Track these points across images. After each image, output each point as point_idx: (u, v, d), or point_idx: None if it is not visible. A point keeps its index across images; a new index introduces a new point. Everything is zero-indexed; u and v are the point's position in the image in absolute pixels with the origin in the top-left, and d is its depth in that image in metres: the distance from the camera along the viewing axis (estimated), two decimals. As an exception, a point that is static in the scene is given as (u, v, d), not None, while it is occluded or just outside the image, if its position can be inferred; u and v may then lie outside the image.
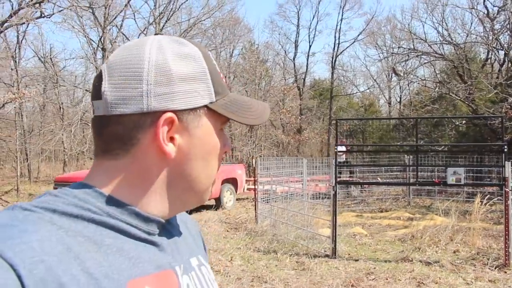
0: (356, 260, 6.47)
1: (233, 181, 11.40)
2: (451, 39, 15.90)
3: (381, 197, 12.92)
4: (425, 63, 16.33)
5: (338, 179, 6.89)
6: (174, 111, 0.66)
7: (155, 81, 0.64)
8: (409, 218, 9.84)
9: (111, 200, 0.65)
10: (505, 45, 13.54)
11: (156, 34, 0.76)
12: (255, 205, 9.35)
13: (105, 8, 13.25)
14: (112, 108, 0.65)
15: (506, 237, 6.05)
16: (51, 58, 17.54)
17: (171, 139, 0.67)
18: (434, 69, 19.70)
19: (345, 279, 5.57)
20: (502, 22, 13.96)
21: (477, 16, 14.48)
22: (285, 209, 8.88)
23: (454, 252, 6.85)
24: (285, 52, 25.05)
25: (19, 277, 0.51)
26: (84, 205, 0.62)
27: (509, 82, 11.96)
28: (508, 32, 13.47)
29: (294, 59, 24.56)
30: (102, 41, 14.30)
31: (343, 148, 13.61)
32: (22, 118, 16.84)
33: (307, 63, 24.39)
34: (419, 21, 17.07)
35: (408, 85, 22.30)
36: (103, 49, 13.90)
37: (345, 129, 20.89)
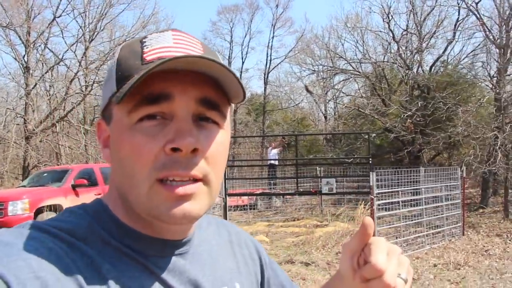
0: (246, 263, 7.13)
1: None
2: (370, 57, 17.24)
3: (299, 207, 13.81)
4: (343, 80, 17.59)
5: (232, 192, 7.59)
6: (102, 116, 0.67)
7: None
8: (315, 225, 10.68)
9: (113, 218, 0.64)
10: (408, 65, 14.91)
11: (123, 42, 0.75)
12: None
13: (28, 27, 13.39)
14: None
15: (372, 237, 6.93)
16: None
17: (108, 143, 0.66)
18: (358, 87, 21.13)
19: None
20: (406, 44, 15.41)
21: (387, 40, 15.88)
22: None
23: (337, 253, 7.68)
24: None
25: None
26: (92, 225, 0.62)
27: (407, 99, 13.29)
28: (409, 53, 14.91)
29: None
30: (26, 60, 14.42)
31: (276, 151, 14.45)
32: None
33: (241, 79, 25.28)
34: (339, 41, 18.26)
35: (335, 100, 23.60)
36: (27, 68, 14.00)
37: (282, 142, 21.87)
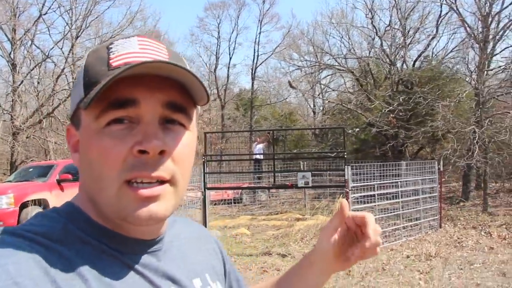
0: (224, 256, 7.28)
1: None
2: (355, 52, 17.39)
3: (284, 201, 13.97)
4: (329, 75, 17.77)
5: (209, 186, 7.71)
6: (71, 121, 0.68)
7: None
8: (297, 218, 10.83)
9: (87, 219, 0.65)
10: (392, 60, 15.07)
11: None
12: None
13: (14, 24, 13.39)
14: None
15: (347, 229, 7.09)
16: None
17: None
18: (344, 81, 21.30)
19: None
20: (390, 39, 15.56)
21: (370, 36, 16.04)
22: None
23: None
24: (206, 64, 26.02)
25: None
26: (66, 226, 0.62)
27: (390, 94, 13.47)
28: (394, 48, 15.07)
29: (215, 70, 25.52)
30: (12, 57, 14.42)
31: (261, 146, 14.62)
32: None
33: (228, 75, 25.45)
34: (325, 36, 18.38)
35: (323, 95, 23.74)
36: (13, 64, 14.02)
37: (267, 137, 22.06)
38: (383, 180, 8.05)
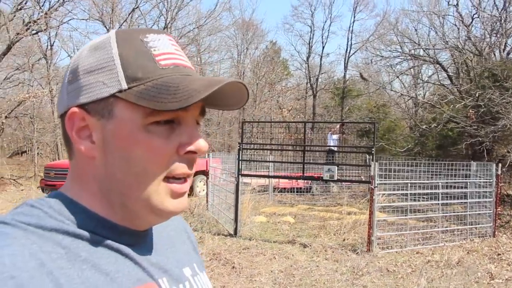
0: (250, 239, 7.62)
1: (205, 173, 12.74)
2: (446, 42, 16.15)
3: (353, 193, 13.74)
4: (415, 66, 16.74)
5: (245, 172, 8.06)
6: (81, 106, 0.64)
7: (68, 80, 0.66)
8: (350, 212, 10.67)
9: (82, 209, 0.65)
10: (480, 50, 13.78)
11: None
12: (207, 195, 10.73)
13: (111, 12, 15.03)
14: (58, 110, 0.69)
15: (369, 227, 6.96)
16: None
17: (89, 136, 0.64)
18: (438, 74, 19.84)
19: (215, 250, 6.75)
20: (483, 26, 14.19)
21: (455, 24, 14.79)
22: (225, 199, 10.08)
23: (344, 240, 7.78)
24: (299, 53, 26.03)
25: None
26: (58, 217, 0.62)
27: (473, 87, 12.41)
28: (487, 36, 13.74)
29: (308, 60, 25.44)
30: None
31: (336, 137, 14.59)
32: (53, 113, 18.97)
33: (321, 64, 25.22)
34: (412, 26, 17.26)
35: (423, 88, 22.44)
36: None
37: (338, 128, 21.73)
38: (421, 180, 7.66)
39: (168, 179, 0.64)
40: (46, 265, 0.55)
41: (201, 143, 0.65)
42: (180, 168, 0.65)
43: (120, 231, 0.66)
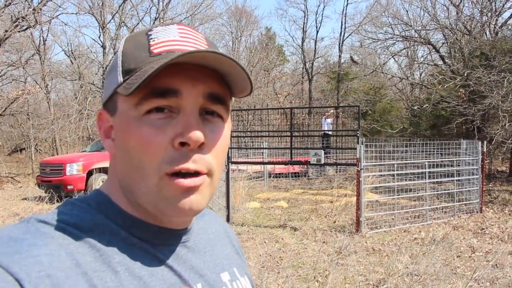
0: (242, 225, 7.79)
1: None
2: (437, 22, 16.13)
3: (349, 176, 13.90)
4: (405, 48, 16.75)
5: (238, 160, 8.23)
6: (104, 106, 0.67)
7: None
8: (343, 194, 10.83)
9: (118, 209, 0.65)
10: (470, 30, 13.81)
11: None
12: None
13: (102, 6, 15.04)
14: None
15: (357, 208, 7.12)
16: (72, 52, 19.74)
17: (111, 134, 0.66)
18: (430, 54, 19.83)
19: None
20: (472, 6, 14.19)
21: (445, 5, 14.79)
22: (218, 187, 10.28)
23: (334, 222, 7.95)
24: (293, 38, 26.00)
25: None
26: (95, 217, 0.63)
27: (461, 66, 12.48)
28: (477, 15, 13.76)
29: (302, 44, 25.41)
30: (102, 40, 16.28)
31: (330, 121, 14.79)
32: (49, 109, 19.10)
33: (315, 48, 25.19)
34: (402, 6, 17.23)
35: (419, 68, 22.43)
36: (103, 47, 15.83)
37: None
38: (411, 160, 7.80)
39: (172, 175, 0.61)
40: (81, 266, 0.56)
41: (192, 135, 0.59)
42: (177, 163, 0.60)
43: (154, 231, 0.66)
